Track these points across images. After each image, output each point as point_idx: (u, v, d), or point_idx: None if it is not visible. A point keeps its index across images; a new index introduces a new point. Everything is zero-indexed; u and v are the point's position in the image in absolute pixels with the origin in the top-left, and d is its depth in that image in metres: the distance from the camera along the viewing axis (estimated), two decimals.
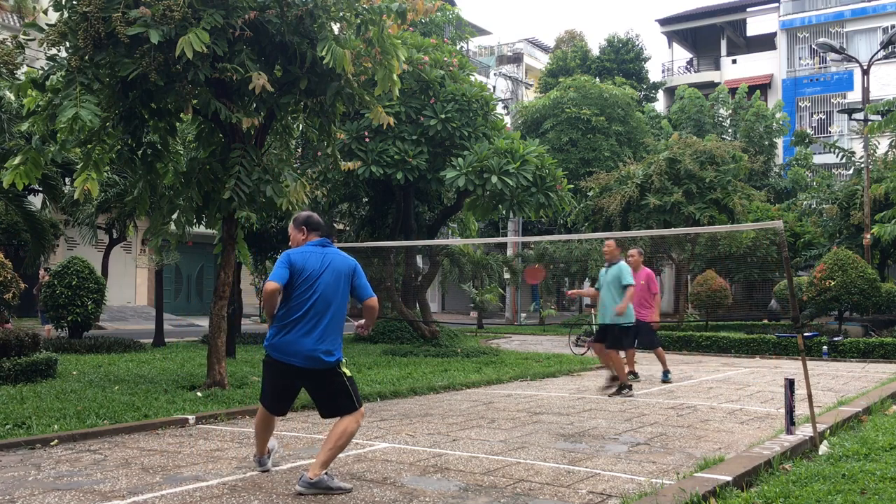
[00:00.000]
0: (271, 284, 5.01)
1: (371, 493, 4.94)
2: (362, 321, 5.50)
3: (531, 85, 43.85)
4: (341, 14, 8.83)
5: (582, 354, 15.60)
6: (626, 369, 11.62)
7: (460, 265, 27.18)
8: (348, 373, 5.16)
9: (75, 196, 9.92)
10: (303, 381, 5.17)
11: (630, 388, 9.94)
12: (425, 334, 16.26)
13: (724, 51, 42.00)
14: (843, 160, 23.72)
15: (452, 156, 15.13)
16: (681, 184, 20.93)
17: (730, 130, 34.69)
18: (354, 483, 5.16)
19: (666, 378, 11.36)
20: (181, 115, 9.38)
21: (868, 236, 19.30)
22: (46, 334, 15.13)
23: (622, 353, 10.23)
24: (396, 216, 17.95)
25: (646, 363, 13.00)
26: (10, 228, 18.96)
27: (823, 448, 6.21)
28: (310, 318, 5.03)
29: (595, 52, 40.66)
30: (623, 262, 10.23)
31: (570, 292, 14.86)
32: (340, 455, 5.97)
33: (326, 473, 4.96)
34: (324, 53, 8.36)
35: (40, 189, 16.58)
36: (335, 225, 22.50)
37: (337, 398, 5.10)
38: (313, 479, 4.88)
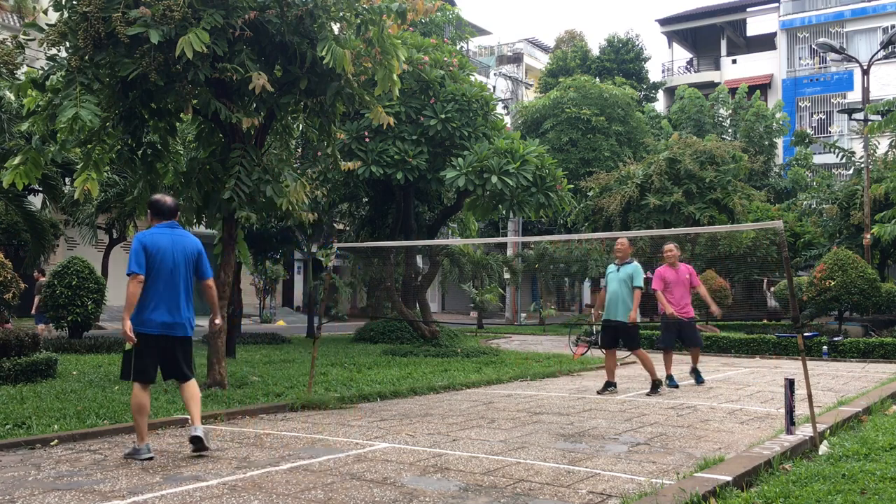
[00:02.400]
0: (139, 277, 5.66)
1: (371, 493, 4.94)
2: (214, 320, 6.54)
3: (531, 85, 43.86)
4: (341, 14, 8.82)
5: (581, 355, 15.59)
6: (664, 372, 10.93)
7: (460, 265, 27.19)
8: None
9: (75, 196, 9.93)
10: (164, 345, 5.86)
11: (660, 384, 10.10)
12: (425, 334, 16.25)
13: (724, 51, 42.01)
14: (843, 160, 23.73)
15: (452, 156, 15.13)
16: (681, 184, 20.94)
17: (730, 130, 34.71)
18: (354, 483, 5.15)
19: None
20: (181, 115, 9.38)
21: (868, 236, 19.30)
22: (41, 333, 15.12)
23: (634, 357, 10.19)
24: (396, 216, 17.95)
25: (685, 364, 12.17)
26: (10, 228, 18.96)
27: (823, 448, 6.21)
28: (168, 293, 5.79)
29: (595, 52, 40.70)
30: (636, 262, 10.05)
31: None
32: (340, 455, 6.00)
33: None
34: (324, 53, 8.36)
35: (40, 189, 16.59)
36: (335, 225, 22.51)
37: (184, 364, 5.98)
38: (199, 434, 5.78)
